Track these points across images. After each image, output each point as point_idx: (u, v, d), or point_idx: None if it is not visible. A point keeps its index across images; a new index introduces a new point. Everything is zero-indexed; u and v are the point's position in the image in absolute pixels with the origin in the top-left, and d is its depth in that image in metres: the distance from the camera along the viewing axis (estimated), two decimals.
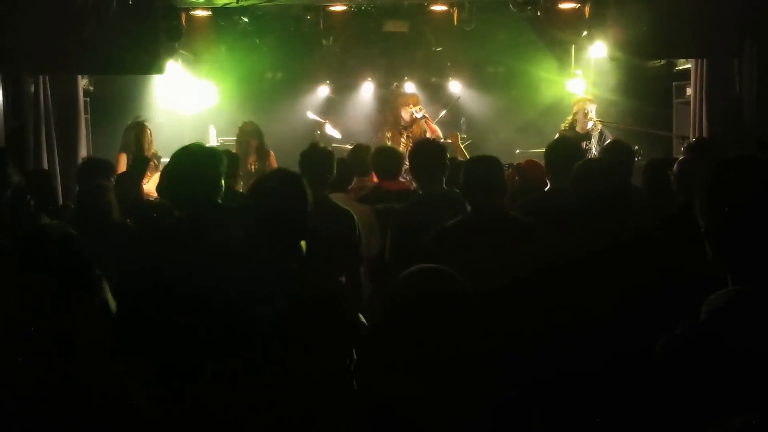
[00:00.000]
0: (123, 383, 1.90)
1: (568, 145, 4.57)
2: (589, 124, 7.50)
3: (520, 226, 3.57)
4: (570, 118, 7.80)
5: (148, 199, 5.49)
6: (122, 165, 7.19)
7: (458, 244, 3.41)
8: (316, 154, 4.52)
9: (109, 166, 5.35)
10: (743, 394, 1.66)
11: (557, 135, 7.48)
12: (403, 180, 5.51)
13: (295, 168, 4.41)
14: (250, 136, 7.43)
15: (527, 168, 5.13)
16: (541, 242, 3.45)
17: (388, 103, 8.47)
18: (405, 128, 7.35)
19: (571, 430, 2.89)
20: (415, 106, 7.37)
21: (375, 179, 5.50)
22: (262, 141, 7.42)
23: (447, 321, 2.01)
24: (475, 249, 3.32)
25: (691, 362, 1.74)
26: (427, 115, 7.33)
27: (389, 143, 7.32)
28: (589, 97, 7.78)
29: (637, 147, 6.65)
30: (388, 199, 4.90)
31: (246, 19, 8.45)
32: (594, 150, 7.20)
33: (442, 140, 7.10)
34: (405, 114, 7.29)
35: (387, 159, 5.33)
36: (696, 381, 1.72)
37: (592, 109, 7.56)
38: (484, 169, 3.64)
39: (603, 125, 7.57)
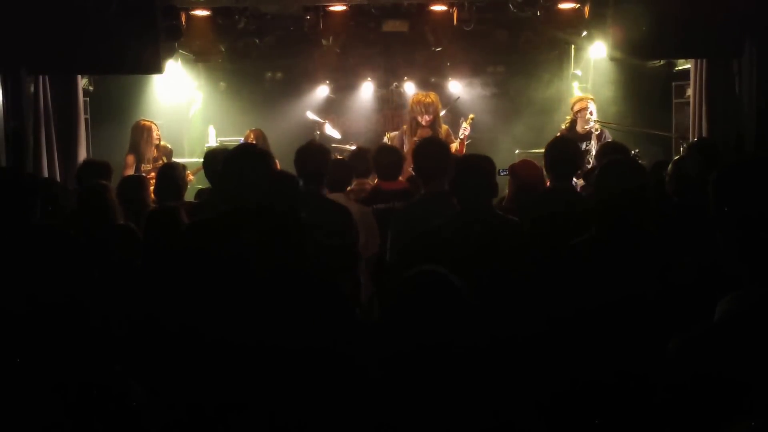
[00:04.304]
0: (123, 384, 1.90)
1: (568, 145, 4.58)
2: (590, 124, 7.43)
3: (507, 226, 3.55)
4: (569, 117, 7.77)
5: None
6: (130, 165, 7.22)
7: (444, 245, 3.40)
8: (311, 151, 4.51)
9: (108, 168, 5.35)
10: (755, 396, 1.66)
11: (557, 135, 7.45)
12: (403, 180, 5.50)
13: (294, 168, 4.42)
14: (256, 142, 7.42)
15: (519, 168, 5.12)
16: (534, 242, 3.45)
17: (384, 101, 8.35)
18: (421, 128, 7.27)
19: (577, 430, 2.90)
20: (428, 113, 7.24)
21: (375, 181, 5.50)
22: (267, 148, 7.41)
23: (443, 321, 2.03)
24: (460, 249, 3.32)
25: (705, 363, 1.74)
26: (461, 136, 7.27)
27: (406, 139, 7.30)
28: (590, 95, 7.72)
29: (637, 150, 6.65)
30: (387, 199, 4.90)
31: (246, 19, 8.44)
32: (594, 151, 7.13)
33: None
34: (421, 119, 7.25)
35: (388, 159, 5.34)
36: (708, 382, 1.71)
37: (593, 109, 7.52)
38: (474, 167, 3.60)
39: (602, 126, 7.53)
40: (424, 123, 7.22)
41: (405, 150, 6.76)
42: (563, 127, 7.77)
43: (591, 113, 7.44)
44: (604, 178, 3.26)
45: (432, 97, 7.42)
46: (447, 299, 2.07)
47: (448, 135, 7.21)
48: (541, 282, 3.19)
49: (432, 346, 2.01)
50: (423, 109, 7.23)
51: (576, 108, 7.62)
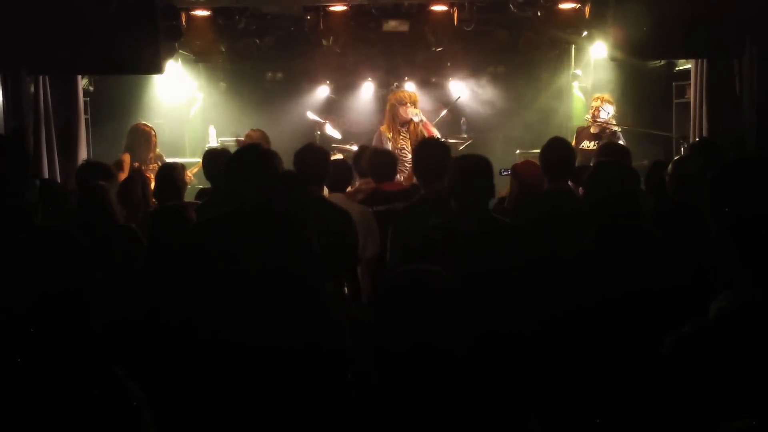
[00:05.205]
0: (122, 385, 1.90)
1: (563, 146, 4.58)
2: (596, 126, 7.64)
3: (503, 227, 3.55)
4: (588, 116, 7.96)
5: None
6: (126, 165, 7.22)
7: (443, 245, 3.40)
8: (312, 152, 4.50)
9: (108, 169, 5.34)
10: (749, 393, 1.66)
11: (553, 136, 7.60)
12: (399, 181, 5.51)
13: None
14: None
15: (521, 169, 5.11)
16: (532, 243, 3.45)
17: (386, 101, 8.49)
18: (402, 126, 7.31)
19: (573, 430, 2.90)
20: (412, 105, 7.34)
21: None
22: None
23: (435, 319, 2.02)
24: (459, 250, 3.32)
25: (699, 360, 1.75)
26: (424, 119, 7.32)
27: (389, 142, 7.30)
28: (605, 96, 7.83)
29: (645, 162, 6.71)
30: (387, 200, 4.90)
31: (246, 19, 8.43)
32: None
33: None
34: (403, 112, 7.27)
35: (382, 161, 5.35)
36: (703, 379, 1.72)
37: (608, 110, 7.65)
38: (471, 168, 3.59)
39: (618, 128, 7.68)
40: (407, 115, 7.24)
41: None
42: (586, 124, 8.02)
43: (601, 114, 7.64)
44: (594, 179, 3.28)
45: (409, 92, 7.56)
46: (438, 297, 2.05)
47: (421, 132, 7.30)
48: (543, 285, 3.19)
49: (421, 344, 2.00)
50: (405, 99, 7.29)
51: (591, 107, 7.90)
